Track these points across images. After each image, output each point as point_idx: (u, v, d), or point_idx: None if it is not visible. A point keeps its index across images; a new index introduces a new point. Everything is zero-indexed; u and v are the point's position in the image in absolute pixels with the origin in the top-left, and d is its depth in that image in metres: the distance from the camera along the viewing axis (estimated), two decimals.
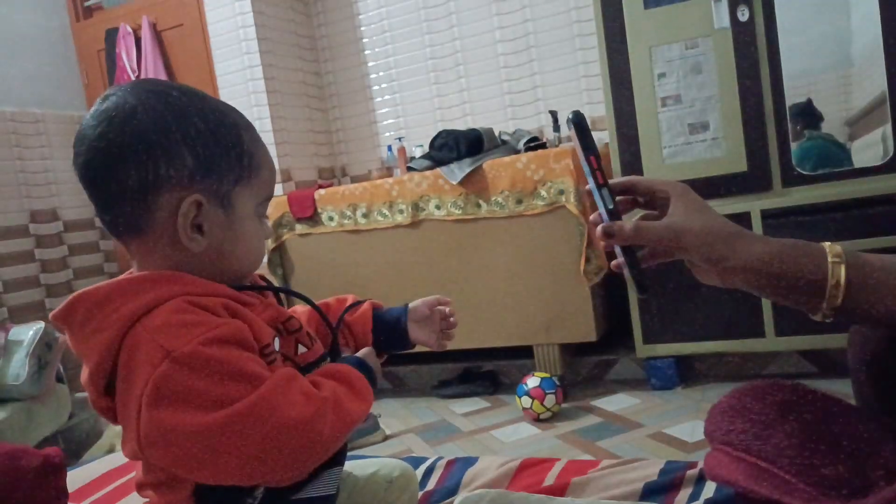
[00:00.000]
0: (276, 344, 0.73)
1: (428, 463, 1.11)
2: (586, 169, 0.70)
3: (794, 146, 2.12)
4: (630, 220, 0.70)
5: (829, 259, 0.64)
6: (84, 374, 0.69)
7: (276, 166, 3.05)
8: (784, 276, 0.66)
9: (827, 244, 0.66)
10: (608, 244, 0.69)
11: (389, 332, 0.95)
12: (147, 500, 0.75)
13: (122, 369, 0.65)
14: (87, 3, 3.59)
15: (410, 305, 0.97)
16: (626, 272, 0.72)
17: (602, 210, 0.68)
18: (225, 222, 0.71)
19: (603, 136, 2.88)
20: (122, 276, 0.70)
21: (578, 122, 0.66)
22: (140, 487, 0.75)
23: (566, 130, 3.00)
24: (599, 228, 0.69)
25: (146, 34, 3.28)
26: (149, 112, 0.67)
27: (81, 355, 0.69)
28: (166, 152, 0.67)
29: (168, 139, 0.67)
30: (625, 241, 0.68)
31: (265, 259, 2.85)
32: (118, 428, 2.38)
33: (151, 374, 0.62)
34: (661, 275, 2.31)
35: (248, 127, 0.74)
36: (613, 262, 0.76)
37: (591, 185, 0.71)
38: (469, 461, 1.08)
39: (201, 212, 0.69)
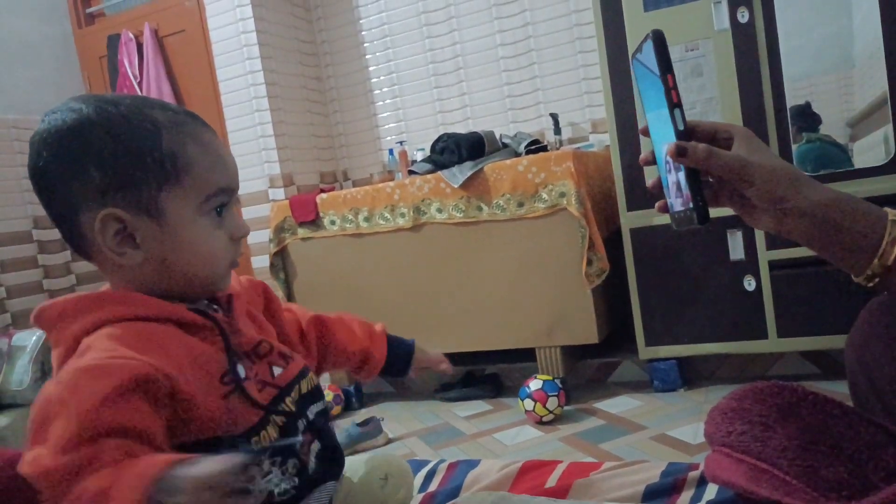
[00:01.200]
0: (241, 371, 0.71)
1: (430, 466, 1.11)
2: (653, 92, 0.69)
3: (792, 148, 2.12)
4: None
5: (890, 216, 0.65)
6: None
7: (278, 171, 3.09)
8: (841, 226, 0.66)
9: (888, 208, 0.67)
10: (679, 162, 0.67)
11: (399, 362, 1.04)
12: None
13: None
14: (88, 10, 3.61)
15: (418, 351, 1.07)
16: (677, 208, 0.70)
17: (672, 132, 0.67)
18: (159, 232, 0.69)
19: (603, 139, 2.89)
20: (78, 294, 0.70)
21: (660, 37, 0.66)
22: None
23: (567, 133, 3.01)
24: (672, 146, 0.67)
25: (148, 41, 3.29)
26: (54, 133, 0.67)
27: (54, 362, 0.70)
28: (73, 171, 0.66)
29: (72, 158, 0.66)
30: (696, 161, 0.67)
31: (265, 263, 2.86)
32: None
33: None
34: (663, 277, 2.32)
35: (174, 125, 0.70)
36: (658, 204, 0.75)
37: (657, 110, 0.69)
38: (471, 464, 1.09)
39: (127, 225, 0.68)
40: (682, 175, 0.69)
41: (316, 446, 0.79)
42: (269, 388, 0.74)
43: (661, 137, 0.71)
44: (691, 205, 0.67)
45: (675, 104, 0.67)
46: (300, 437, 0.76)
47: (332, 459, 0.82)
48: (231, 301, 0.77)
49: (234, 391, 0.69)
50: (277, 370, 0.76)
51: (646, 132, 0.76)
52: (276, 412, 0.73)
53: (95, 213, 0.66)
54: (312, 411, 0.80)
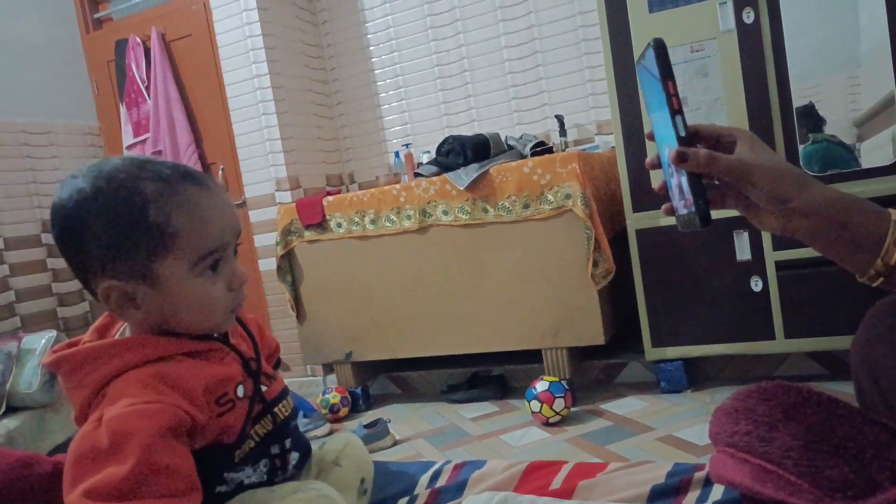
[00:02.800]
0: (240, 391, 0.78)
1: (436, 466, 1.11)
2: (656, 98, 0.71)
3: (799, 149, 2.12)
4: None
5: (893, 217, 0.66)
6: (72, 415, 0.77)
7: (285, 174, 3.11)
8: (844, 226, 0.67)
9: (891, 209, 0.68)
10: (680, 168, 0.69)
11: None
12: None
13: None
14: (96, 15, 3.63)
15: None
16: (681, 211, 0.72)
17: (674, 137, 0.69)
18: (153, 294, 0.74)
19: (609, 140, 2.89)
20: (94, 343, 0.77)
21: (661, 45, 0.68)
22: None
23: (572, 134, 3.01)
24: (674, 152, 0.68)
25: (155, 45, 3.31)
26: (60, 211, 0.74)
27: (70, 401, 0.77)
28: (76, 247, 0.74)
29: (73, 235, 0.74)
30: (697, 166, 0.68)
31: (272, 266, 2.87)
32: None
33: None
34: (670, 278, 2.31)
35: (161, 195, 0.74)
36: (664, 206, 0.77)
37: (661, 113, 0.71)
38: (476, 464, 1.09)
39: (125, 291, 0.74)
40: (684, 179, 0.71)
41: (294, 456, 0.87)
42: (257, 405, 0.81)
43: (665, 142, 0.72)
44: (693, 208, 0.69)
45: (675, 111, 0.69)
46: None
47: (305, 458, 0.90)
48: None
49: (230, 410, 0.76)
50: (263, 388, 0.83)
51: (652, 137, 0.78)
52: (261, 425, 0.82)
53: (98, 283, 0.74)
54: (291, 424, 0.87)
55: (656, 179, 0.69)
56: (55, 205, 0.75)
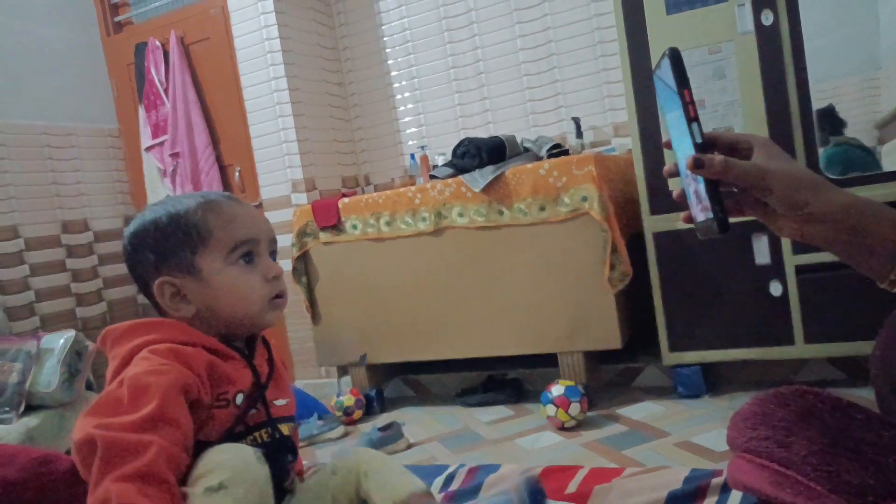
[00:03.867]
0: (238, 398, 0.89)
1: (450, 470, 1.11)
2: (672, 106, 0.72)
3: (819, 152, 2.09)
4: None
5: None
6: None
7: (301, 175, 3.13)
8: (862, 231, 0.66)
9: None
10: (697, 174, 0.69)
11: None
12: None
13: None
14: (116, 19, 3.68)
15: None
16: (699, 218, 0.73)
17: (691, 145, 0.70)
18: (199, 285, 0.90)
19: (626, 143, 2.87)
20: (135, 321, 0.90)
21: (676, 54, 0.69)
22: None
23: (589, 137, 3.00)
24: (690, 159, 0.69)
25: (174, 48, 3.34)
26: (132, 234, 0.94)
27: (110, 371, 0.88)
28: (138, 258, 0.92)
29: (138, 250, 0.92)
30: (714, 173, 0.68)
31: (287, 267, 2.88)
32: None
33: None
34: (687, 281, 2.29)
35: (198, 205, 0.92)
36: (683, 214, 0.77)
37: (677, 122, 0.72)
38: (491, 468, 1.08)
39: (177, 286, 0.89)
40: (701, 186, 0.71)
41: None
42: (257, 415, 0.90)
43: (682, 150, 0.73)
44: (711, 214, 0.69)
45: (692, 118, 0.70)
46: None
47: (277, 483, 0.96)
48: (254, 347, 0.96)
49: (223, 407, 0.86)
50: (281, 402, 0.95)
51: (669, 145, 0.78)
52: (249, 434, 0.91)
53: (153, 284, 0.90)
54: (286, 447, 0.95)
55: (674, 186, 0.69)
56: (124, 236, 0.95)
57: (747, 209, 0.75)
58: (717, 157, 0.69)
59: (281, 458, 0.92)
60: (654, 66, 0.75)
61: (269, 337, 1.01)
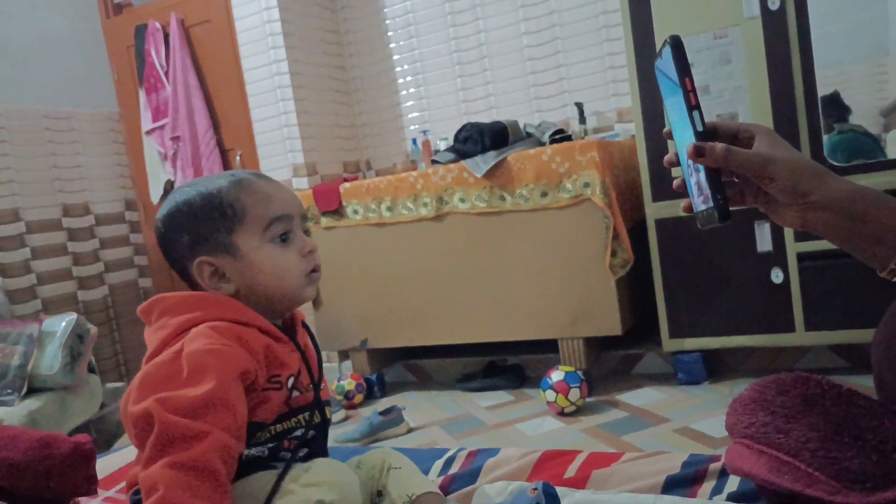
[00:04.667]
0: (290, 382, 0.88)
1: (449, 453, 1.11)
2: (674, 95, 0.72)
3: (824, 139, 2.08)
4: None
5: None
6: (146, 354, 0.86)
7: (302, 160, 3.11)
8: (864, 219, 0.66)
9: None
10: (698, 163, 0.69)
11: None
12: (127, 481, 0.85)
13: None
14: (116, 1, 3.65)
15: None
16: (700, 207, 0.73)
17: (692, 133, 0.70)
18: (237, 263, 0.89)
19: (629, 128, 2.86)
20: (190, 293, 0.90)
21: (678, 42, 0.69)
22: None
23: (592, 122, 2.98)
24: (691, 147, 0.69)
25: (174, 31, 3.32)
26: (162, 218, 0.93)
27: (148, 342, 0.87)
28: (174, 238, 0.91)
29: (173, 232, 0.91)
30: (715, 161, 0.68)
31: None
32: None
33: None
34: (689, 268, 2.29)
35: (231, 185, 0.92)
36: (683, 204, 0.77)
37: (678, 110, 0.72)
38: (490, 452, 1.08)
39: (216, 265, 0.89)
40: (702, 175, 0.71)
41: (303, 451, 0.93)
42: (302, 398, 0.90)
43: (683, 139, 0.73)
44: (712, 203, 0.69)
45: (693, 106, 0.70)
46: None
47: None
48: (295, 328, 0.97)
49: (275, 390, 0.86)
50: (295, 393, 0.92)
51: (670, 135, 0.78)
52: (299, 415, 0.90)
53: (192, 264, 0.89)
54: (327, 429, 0.97)
55: (677, 177, 0.69)
56: (156, 219, 0.94)
57: (748, 198, 0.75)
58: (719, 146, 0.68)
59: (326, 440, 0.96)
60: (657, 53, 0.74)
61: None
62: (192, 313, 0.85)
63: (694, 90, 0.69)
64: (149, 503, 0.70)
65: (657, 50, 0.74)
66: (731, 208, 0.69)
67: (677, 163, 0.77)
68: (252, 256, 0.89)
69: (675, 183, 0.78)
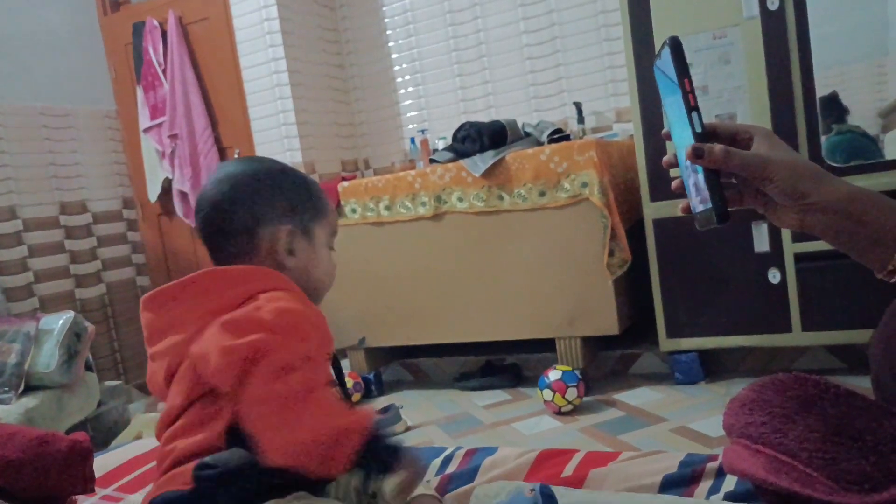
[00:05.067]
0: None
1: (447, 452, 1.11)
2: (672, 96, 0.72)
3: (822, 140, 2.08)
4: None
5: None
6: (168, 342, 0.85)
7: (300, 158, 3.11)
8: (862, 221, 0.66)
9: None
10: (697, 164, 0.70)
11: None
12: (172, 456, 0.79)
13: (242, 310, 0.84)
14: None
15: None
16: (698, 209, 0.73)
17: (691, 135, 0.70)
18: (308, 248, 0.95)
19: (628, 128, 2.86)
20: (248, 266, 0.90)
21: (677, 43, 0.69)
22: (167, 441, 0.81)
23: (590, 122, 2.98)
24: (689, 148, 0.69)
25: (172, 28, 3.31)
26: (250, 175, 0.94)
27: (183, 319, 0.85)
28: (264, 199, 0.93)
29: (264, 189, 0.93)
30: (714, 162, 0.68)
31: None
32: (147, 416, 2.42)
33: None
34: (686, 268, 2.29)
35: (315, 183, 1.01)
36: (682, 205, 0.77)
37: (677, 111, 0.72)
38: (488, 451, 1.08)
39: (293, 238, 0.93)
40: (701, 176, 0.71)
41: None
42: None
43: (682, 140, 0.73)
44: (710, 204, 0.69)
45: (692, 108, 0.70)
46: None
47: None
48: None
49: (329, 362, 0.91)
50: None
51: (668, 136, 0.78)
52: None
53: (277, 227, 0.92)
54: None
55: (674, 176, 0.70)
56: (234, 173, 0.94)
57: (747, 199, 0.75)
58: (718, 147, 0.69)
59: None
60: (656, 54, 0.74)
61: None
62: (261, 281, 0.88)
63: (693, 91, 0.70)
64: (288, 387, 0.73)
65: (656, 50, 0.74)
66: (729, 209, 0.69)
67: (676, 164, 0.77)
68: (319, 248, 0.97)
69: (674, 184, 0.78)
